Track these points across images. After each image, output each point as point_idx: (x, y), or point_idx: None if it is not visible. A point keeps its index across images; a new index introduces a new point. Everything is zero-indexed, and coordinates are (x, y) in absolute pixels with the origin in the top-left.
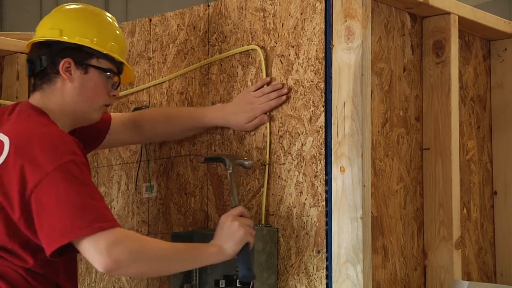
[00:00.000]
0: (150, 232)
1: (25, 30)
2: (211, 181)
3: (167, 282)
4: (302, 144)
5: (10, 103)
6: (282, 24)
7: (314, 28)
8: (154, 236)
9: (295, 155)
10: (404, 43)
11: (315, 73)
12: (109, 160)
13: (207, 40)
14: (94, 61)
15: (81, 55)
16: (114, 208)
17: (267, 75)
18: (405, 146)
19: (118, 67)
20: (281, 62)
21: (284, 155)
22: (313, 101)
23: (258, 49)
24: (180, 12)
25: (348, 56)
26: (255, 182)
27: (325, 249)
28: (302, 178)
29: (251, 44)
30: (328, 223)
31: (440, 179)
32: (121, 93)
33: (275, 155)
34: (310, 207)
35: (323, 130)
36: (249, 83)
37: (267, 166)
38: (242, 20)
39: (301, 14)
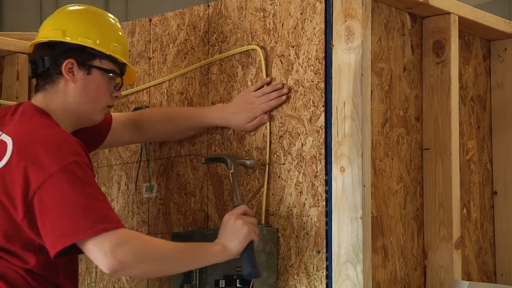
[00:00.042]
0: (150, 232)
1: (25, 30)
2: (211, 181)
3: (167, 282)
4: (302, 144)
5: (10, 103)
6: (282, 24)
7: (314, 28)
8: (154, 236)
9: (295, 155)
10: (404, 43)
11: (315, 73)
12: (109, 160)
13: (207, 40)
14: (97, 62)
15: (84, 56)
16: (114, 208)
17: (267, 75)
18: (405, 146)
19: (120, 68)
20: (281, 62)
21: (284, 155)
22: (313, 101)
23: (258, 49)
24: (180, 12)
25: (348, 56)
26: (255, 182)
27: (325, 249)
28: (302, 178)
29: (251, 44)
30: (328, 223)
31: (440, 179)
32: (121, 93)
33: (275, 155)
34: (310, 207)
35: (323, 130)
36: (249, 83)
37: (267, 166)
38: (242, 20)
39: (301, 14)
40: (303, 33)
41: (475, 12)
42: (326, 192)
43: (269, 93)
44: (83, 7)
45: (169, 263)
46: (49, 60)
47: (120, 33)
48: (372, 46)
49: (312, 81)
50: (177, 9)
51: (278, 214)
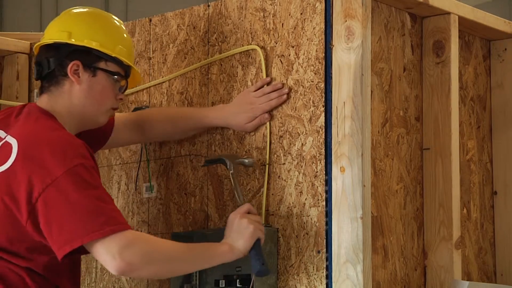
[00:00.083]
0: (150, 232)
1: (25, 30)
2: (211, 181)
3: (167, 282)
4: (302, 144)
5: (10, 103)
6: (282, 24)
7: (314, 28)
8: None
9: (295, 155)
10: (404, 43)
11: (315, 73)
12: (109, 160)
13: (207, 40)
14: (102, 64)
15: (89, 58)
16: None
17: (267, 75)
18: (405, 146)
19: (125, 71)
20: (281, 62)
21: (284, 155)
22: (313, 101)
23: (258, 49)
24: (180, 12)
25: (348, 56)
26: (255, 182)
27: (325, 249)
28: (302, 178)
29: (251, 44)
30: (328, 223)
31: (440, 179)
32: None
33: (275, 155)
34: (310, 207)
35: (323, 130)
36: (249, 83)
37: (267, 166)
38: (242, 20)
39: (301, 14)
40: (303, 33)
41: (475, 12)
42: (326, 192)
43: (269, 93)
44: (88, 9)
45: (176, 264)
46: (54, 62)
47: (125, 35)
48: (372, 46)
49: (312, 81)
50: (177, 9)
51: (278, 214)
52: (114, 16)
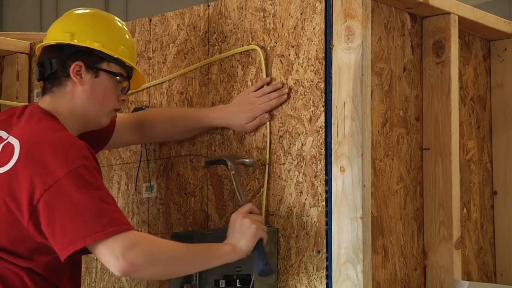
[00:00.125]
0: (150, 232)
1: (25, 30)
2: (211, 181)
3: (167, 282)
4: (302, 144)
5: (10, 103)
6: (282, 24)
7: (314, 28)
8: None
9: (295, 155)
10: (404, 43)
11: (315, 73)
12: (109, 160)
13: (207, 40)
14: (104, 65)
15: (92, 59)
16: None
17: (267, 75)
18: (405, 146)
19: (127, 72)
20: (281, 62)
21: (284, 155)
22: (313, 101)
23: (258, 49)
24: (180, 12)
25: (348, 56)
26: (255, 182)
27: (325, 249)
28: (302, 178)
29: (251, 44)
30: (328, 223)
31: (440, 179)
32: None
33: (275, 155)
34: (310, 207)
35: (323, 130)
36: (249, 83)
37: (267, 166)
38: (242, 20)
39: (301, 14)
40: (303, 33)
41: (475, 12)
42: (326, 192)
43: (269, 93)
44: (90, 10)
45: (180, 265)
46: (57, 63)
47: (127, 36)
48: (372, 46)
49: (312, 81)
50: (177, 9)
51: (278, 214)
52: (116, 17)
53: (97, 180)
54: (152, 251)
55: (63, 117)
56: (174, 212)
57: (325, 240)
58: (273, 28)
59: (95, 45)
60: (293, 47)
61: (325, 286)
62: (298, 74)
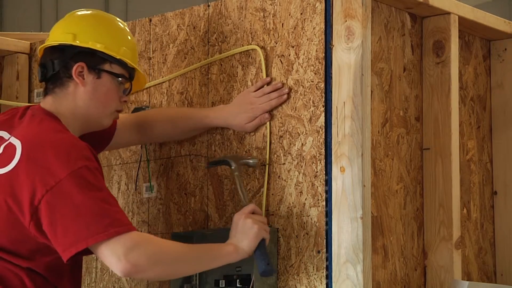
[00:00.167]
0: (150, 232)
1: (25, 30)
2: (211, 181)
3: (167, 282)
4: (302, 144)
5: (10, 103)
6: (282, 24)
7: (314, 28)
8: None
9: (295, 155)
10: (404, 43)
11: (315, 73)
12: (109, 160)
13: (207, 40)
14: (107, 66)
15: (94, 60)
16: None
17: (267, 75)
18: (405, 146)
19: (129, 73)
20: (281, 62)
21: (284, 155)
22: (313, 101)
23: (258, 49)
24: (180, 12)
25: (348, 56)
26: (255, 182)
27: (325, 249)
28: (302, 178)
29: (251, 44)
30: (328, 223)
31: (440, 179)
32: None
33: (275, 155)
34: (310, 207)
35: (323, 130)
36: (249, 83)
37: (267, 166)
38: (242, 20)
39: (301, 14)
40: (303, 33)
41: (475, 12)
42: (326, 192)
43: (269, 93)
44: (92, 11)
45: (182, 265)
46: (59, 64)
47: (129, 37)
48: (372, 46)
49: (312, 81)
50: (177, 9)
51: (278, 214)
52: (118, 18)
53: (99, 181)
54: (155, 251)
55: (65, 118)
56: (174, 212)
57: (325, 240)
58: (273, 28)
59: (98, 46)
60: (293, 47)
61: (325, 286)
62: (298, 74)
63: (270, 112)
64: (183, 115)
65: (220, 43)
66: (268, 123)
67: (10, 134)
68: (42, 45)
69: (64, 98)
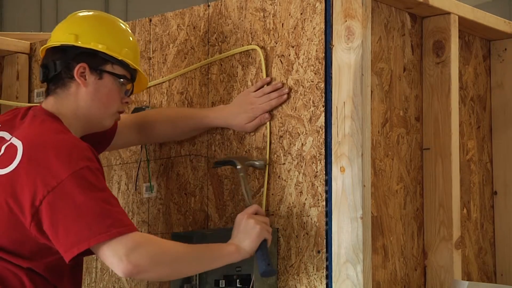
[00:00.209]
0: (150, 232)
1: (25, 30)
2: (211, 181)
3: (167, 282)
4: (302, 144)
5: (10, 103)
6: (282, 24)
7: (314, 28)
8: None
9: (295, 155)
10: (404, 43)
11: (315, 73)
12: (109, 160)
13: (207, 40)
14: (108, 67)
15: (96, 61)
16: None
17: (267, 75)
18: (405, 146)
19: (131, 74)
20: (281, 62)
21: (284, 155)
22: (313, 101)
23: (258, 49)
24: (180, 12)
25: (348, 56)
26: (255, 182)
27: (325, 249)
28: (302, 178)
29: (251, 44)
30: (328, 223)
31: (440, 179)
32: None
33: (275, 155)
34: (310, 207)
35: (323, 130)
36: (249, 83)
37: (267, 166)
38: (242, 20)
39: (301, 14)
40: (303, 33)
41: (475, 12)
42: (326, 192)
43: (269, 93)
44: (94, 12)
45: (184, 265)
46: (61, 64)
47: (131, 38)
48: (372, 46)
49: (312, 81)
50: (177, 9)
51: (278, 214)
52: (119, 20)
53: (100, 181)
54: (156, 252)
55: (67, 118)
56: (174, 212)
57: (325, 240)
58: (273, 28)
59: (100, 47)
60: (293, 47)
61: (325, 286)
62: (298, 74)
63: (270, 112)
64: (183, 115)
65: (220, 43)
66: (268, 123)
67: (11, 134)
68: (44, 46)
69: (65, 99)
